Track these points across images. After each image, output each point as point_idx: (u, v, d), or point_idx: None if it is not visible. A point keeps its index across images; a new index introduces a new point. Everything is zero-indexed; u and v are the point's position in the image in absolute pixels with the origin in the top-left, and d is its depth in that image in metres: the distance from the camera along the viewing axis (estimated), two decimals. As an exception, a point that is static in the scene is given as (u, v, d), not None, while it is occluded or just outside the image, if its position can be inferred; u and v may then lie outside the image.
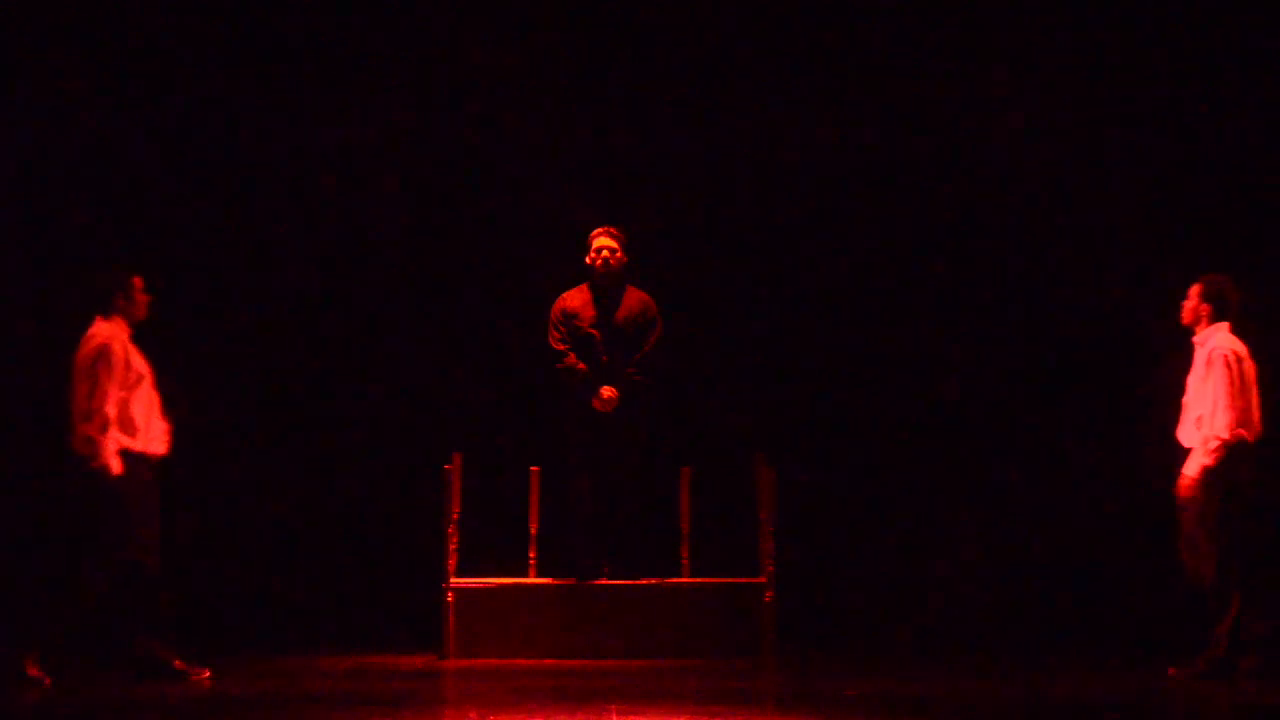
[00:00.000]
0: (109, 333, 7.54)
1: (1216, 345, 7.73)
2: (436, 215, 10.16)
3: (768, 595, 8.50)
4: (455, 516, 8.60)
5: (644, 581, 8.61)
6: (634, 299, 8.83)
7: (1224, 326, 7.81)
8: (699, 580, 8.68)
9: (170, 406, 7.83)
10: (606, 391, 8.64)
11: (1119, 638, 9.37)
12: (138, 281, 7.68)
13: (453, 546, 8.56)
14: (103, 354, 7.47)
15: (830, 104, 10.10)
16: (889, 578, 9.87)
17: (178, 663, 7.44)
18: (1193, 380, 7.81)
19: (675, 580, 8.68)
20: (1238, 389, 7.64)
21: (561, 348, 8.73)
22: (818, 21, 10.10)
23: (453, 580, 8.52)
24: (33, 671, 7.29)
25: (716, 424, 9.98)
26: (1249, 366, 7.74)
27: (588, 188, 9.96)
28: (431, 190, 10.16)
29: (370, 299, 10.03)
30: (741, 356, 10.14)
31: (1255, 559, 7.67)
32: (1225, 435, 7.59)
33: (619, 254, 8.79)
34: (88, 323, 7.59)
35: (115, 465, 7.42)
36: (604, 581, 8.62)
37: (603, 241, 8.79)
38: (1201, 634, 7.64)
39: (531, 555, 8.74)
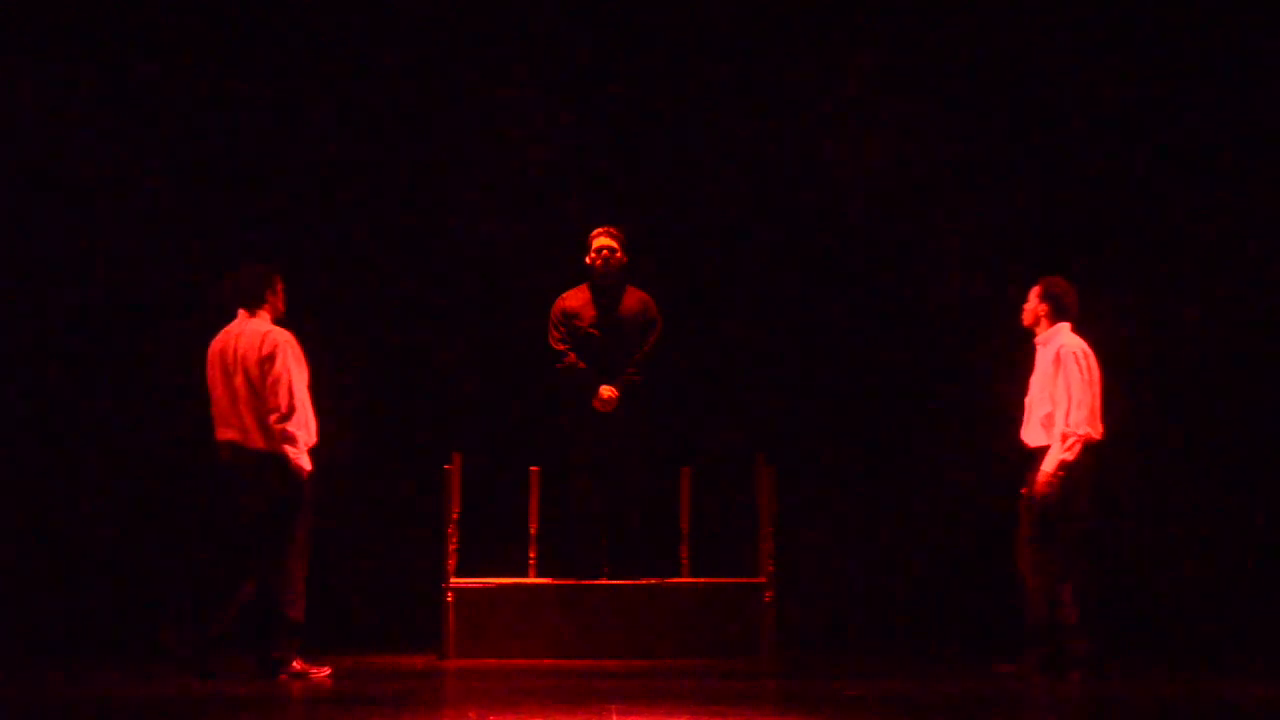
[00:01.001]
0: (279, 328, 7.57)
1: (1064, 344, 7.77)
2: (436, 215, 10.16)
3: (767, 595, 8.50)
4: (455, 516, 8.60)
5: (644, 581, 8.62)
6: (634, 299, 8.84)
7: (1065, 326, 7.86)
8: (699, 580, 8.68)
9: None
10: (606, 391, 8.65)
11: (1117, 636, 9.39)
12: (279, 277, 7.73)
13: (452, 546, 8.56)
14: (293, 350, 7.53)
15: (828, 105, 10.12)
16: (889, 578, 9.88)
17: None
18: (1036, 380, 7.84)
19: (675, 580, 8.68)
20: (1086, 384, 7.68)
21: (561, 348, 8.74)
22: (818, 21, 10.11)
23: (453, 580, 8.52)
24: (299, 667, 7.44)
25: (716, 424, 9.98)
26: (1093, 365, 7.78)
27: (587, 188, 9.97)
28: (431, 190, 10.16)
29: (369, 299, 10.03)
30: (741, 356, 10.14)
31: (1084, 556, 7.71)
32: (1081, 430, 7.63)
33: (619, 254, 8.79)
34: (225, 318, 7.62)
35: (308, 463, 7.49)
36: (604, 581, 8.62)
37: (602, 241, 8.79)
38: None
39: (531, 555, 8.75)
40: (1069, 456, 7.62)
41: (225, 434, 7.52)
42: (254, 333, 7.55)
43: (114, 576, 9.70)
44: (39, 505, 9.74)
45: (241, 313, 7.63)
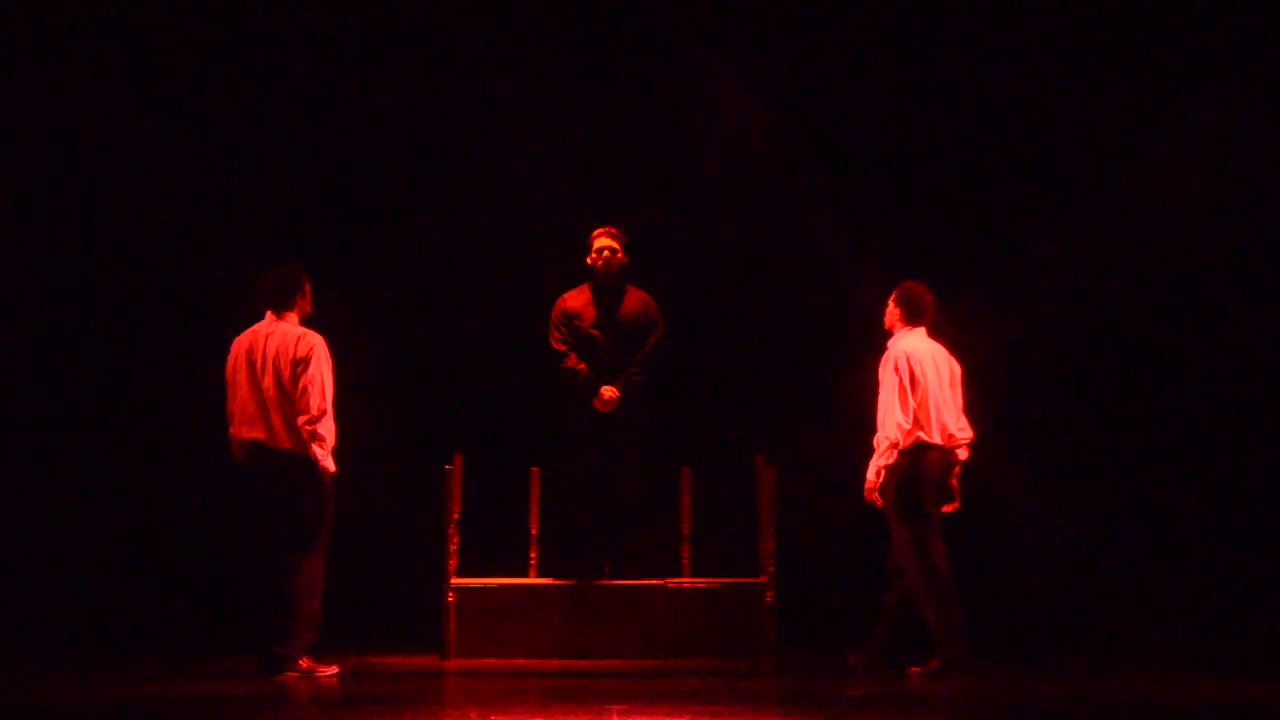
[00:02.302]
0: (314, 331, 7.59)
1: (894, 349, 7.85)
2: (437, 216, 10.17)
3: (768, 595, 8.51)
4: (456, 517, 8.60)
5: (645, 582, 8.62)
6: (635, 299, 8.84)
7: (918, 331, 7.93)
8: (700, 580, 8.69)
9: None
10: (607, 392, 8.65)
11: (1116, 637, 9.41)
12: (307, 279, 7.75)
13: (454, 547, 8.57)
14: (326, 353, 7.56)
15: (825, 103, 10.16)
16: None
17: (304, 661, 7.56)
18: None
19: (676, 580, 8.69)
20: (905, 390, 7.72)
21: (562, 348, 8.74)
22: (818, 20, 10.14)
23: (454, 580, 8.53)
24: (306, 665, 7.48)
25: (717, 424, 9.98)
26: (935, 368, 7.81)
27: (587, 187, 9.98)
28: (431, 191, 10.17)
29: (369, 300, 10.04)
30: (742, 356, 10.15)
31: (935, 557, 7.74)
32: (893, 436, 7.71)
33: (619, 254, 8.80)
34: (251, 318, 7.63)
35: (333, 464, 7.54)
36: (605, 582, 8.62)
37: (603, 242, 8.80)
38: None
39: (532, 555, 8.75)
40: (881, 461, 7.76)
41: (248, 433, 7.51)
42: (287, 334, 7.55)
43: (118, 576, 9.72)
44: (40, 504, 9.76)
45: (269, 314, 7.63)
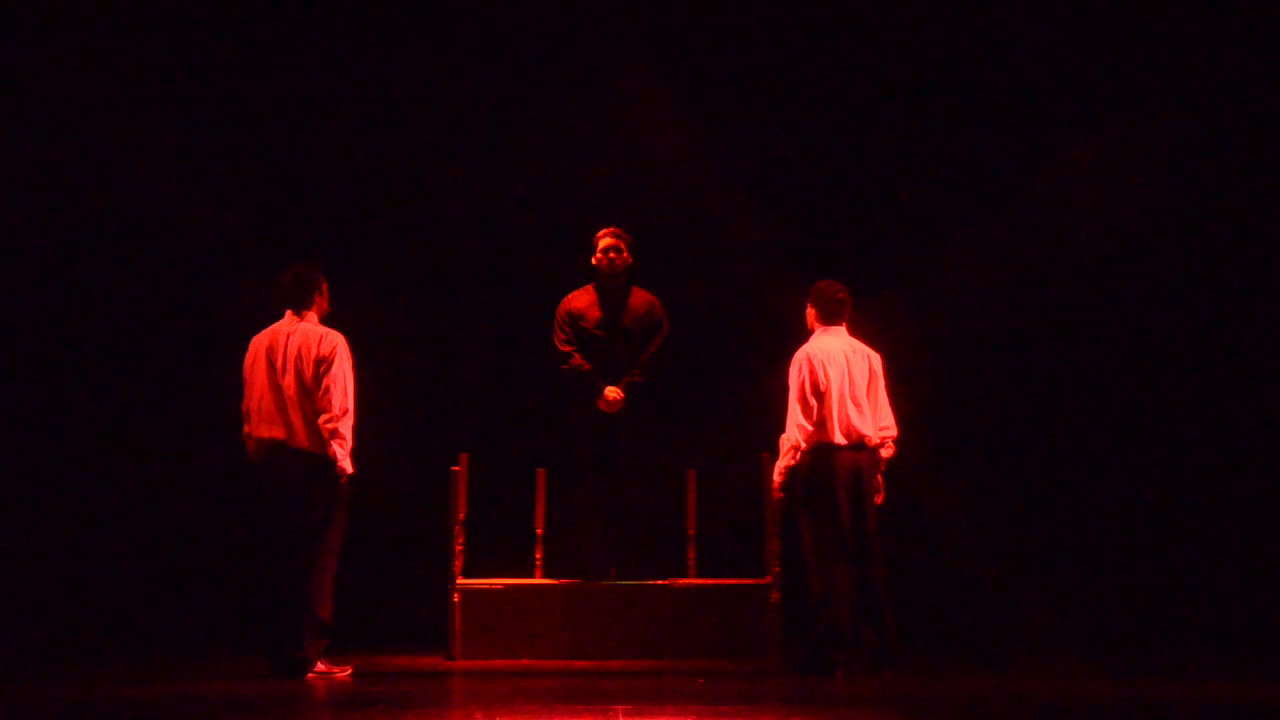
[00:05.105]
0: (335, 331, 7.62)
1: (798, 351, 7.87)
2: (440, 216, 10.19)
3: (773, 595, 8.51)
4: (462, 517, 8.62)
5: (650, 582, 8.63)
6: (640, 300, 8.85)
7: (834, 330, 7.95)
8: (705, 581, 8.70)
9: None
10: (611, 392, 8.66)
11: (1116, 638, 9.42)
12: (323, 278, 7.79)
13: (459, 547, 8.58)
14: (348, 352, 7.59)
15: (822, 103, 10.18)
16: (892, 577, 9.90)
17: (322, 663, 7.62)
18: None
19: (681, 581, 8.70)
20: (804, 393, 7.74)
21: (567, 349, 8.75)
22: (819, 21, 10.15)
23: (459, 581, 8.54)
24: (324, 667, 7.52)
25: (721, 424, 9.99)
26: (844, 368, 7.82)
27: (590, 188, 10.01)
28: (435, 192, 10.19)
29: (375, 300, 10.05)
30: (745, 356, 10.16)
31: (841, 555, 7.76)
32: (792, 438, 7.75)
33: (625, 255, 8.81)
34: (269, 318, 7.66)
35: (350, 465, 7.57)
36: (610, 582, 8.63)
37: (608, 242, 8.81)
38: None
39: (538, 556, 8.76)
40: (782, 463, 7.80)
41: (267, 431, 7.53)
42: (309, 332, 7.58)
43: (127, 576, 9.74)
44: (47, 504, 9.79)
45: (289, 313, 7.65)
